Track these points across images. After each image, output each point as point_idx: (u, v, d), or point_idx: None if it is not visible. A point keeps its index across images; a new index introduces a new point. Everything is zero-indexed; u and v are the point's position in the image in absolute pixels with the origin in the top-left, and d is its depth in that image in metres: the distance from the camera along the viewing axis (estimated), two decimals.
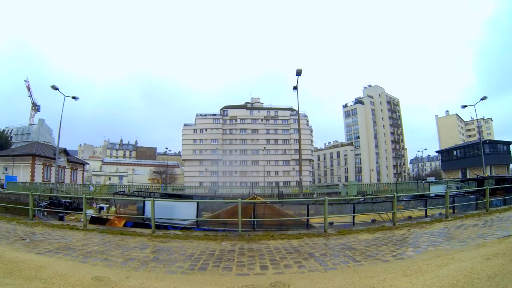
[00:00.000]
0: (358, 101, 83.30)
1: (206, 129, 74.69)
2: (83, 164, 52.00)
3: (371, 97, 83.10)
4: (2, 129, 64.60)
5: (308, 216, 10.40)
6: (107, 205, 13.76)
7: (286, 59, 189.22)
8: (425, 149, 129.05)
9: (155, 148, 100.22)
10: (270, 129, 75.62)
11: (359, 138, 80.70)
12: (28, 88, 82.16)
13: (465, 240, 6.15)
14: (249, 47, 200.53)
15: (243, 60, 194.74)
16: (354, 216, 10.26)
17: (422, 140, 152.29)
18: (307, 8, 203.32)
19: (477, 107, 37.28)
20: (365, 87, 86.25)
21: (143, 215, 10.28)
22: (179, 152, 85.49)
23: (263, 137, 74.30)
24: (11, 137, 71.75)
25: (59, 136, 25.93)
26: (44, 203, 12.25)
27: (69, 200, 13.71)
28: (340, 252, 5.70)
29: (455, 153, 44.77)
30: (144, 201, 10.83)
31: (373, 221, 10.30)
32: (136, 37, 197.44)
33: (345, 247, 6.12)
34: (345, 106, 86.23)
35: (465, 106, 30.84)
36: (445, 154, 47.98)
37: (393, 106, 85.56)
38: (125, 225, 9.86)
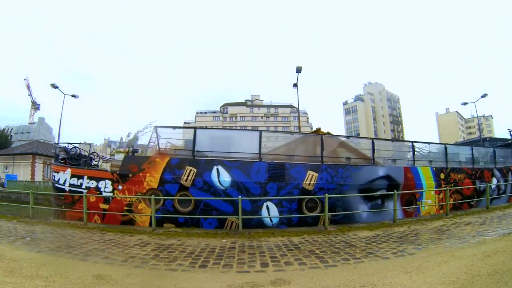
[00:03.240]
0: (358, 98, 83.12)
1: (206, 127, 74.63)
2: None
3: (371, 94, 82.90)
4: (2, 128, 64.56)
5: (373, 152, 10.36)
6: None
7: (286, 56, 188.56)
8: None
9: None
10: (270, 126, 75.52)
11: (359, 135, 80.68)
12: (28, 87, 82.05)
13: (465, 238, 6.16)
14: (249, 45, 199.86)
15: (243, 58, 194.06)
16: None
17: (423, 137, 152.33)
18: (309, 6, 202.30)
19: (478, 104, 37.10)
20: (365, 84, 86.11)
21: (194, 148, 9.09)
22: None
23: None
24: (11, 136, 71.68)
25: (59, 134, 25.88)
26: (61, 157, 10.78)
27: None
28: (341, 249, 5.71)
29: None
30: (195, 132, 9.39)
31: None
32: (136, 36, 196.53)
33: (345, 244, 6.13)
34: (345, 103, 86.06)
35: (465, 104, 30.78)
36: None
37: (393, 103, 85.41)
38: (168, 163, 8.88)
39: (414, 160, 11.16)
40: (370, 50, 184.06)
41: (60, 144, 12.46)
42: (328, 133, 11.42)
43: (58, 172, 10.13)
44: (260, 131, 9.96)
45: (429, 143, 12.37)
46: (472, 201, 11.44)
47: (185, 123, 75.54)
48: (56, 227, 8.08)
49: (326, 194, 8.29)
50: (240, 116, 75.68)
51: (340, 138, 11.63)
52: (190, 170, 8.86)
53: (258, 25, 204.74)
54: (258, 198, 8.92)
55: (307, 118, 75.39)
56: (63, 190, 9.78)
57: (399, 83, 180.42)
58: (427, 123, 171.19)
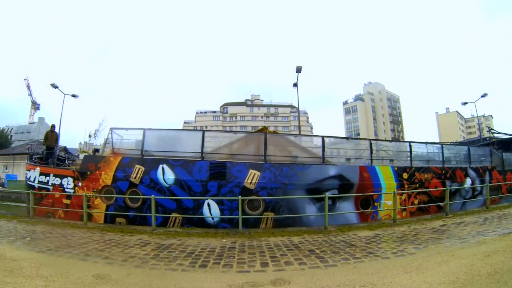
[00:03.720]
0: (358, 98, 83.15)
1: (206, 126, 74.65)
2: None
3: (371, 94, 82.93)
4: (2, 128, 64.61)
5: (323, 151, 9.85)
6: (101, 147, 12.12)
7: (286, 56, 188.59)
8: None
9: None
10: (270, 126, 75.57)
11: (359, 135, 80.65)
12: (28, 87, 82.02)
13: (465, 237, 6.16)
14: (249, 45, 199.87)
15: (243, 58, 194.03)
16: None
17: (423, 137, 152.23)
18: (308, 6, 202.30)
19: (478, 104, 37.11)
20: (365, 84, 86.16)
21: (142, 148, 9.58)
22: None
23: None
24: (11, 135, 71.69)
25: (59, 134, 25.84)
26: (35, 157, 11.76)
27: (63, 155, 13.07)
28: (341, 249, 5.71)
29: None
30: (144, 133, 9.71)
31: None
32: (136, 36, 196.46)
33: (345, 244, 6.13)
34: (345, 103, 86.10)
35: (465, 103, 30.75)
36: None
37: (393, 103, 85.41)
38: (120, 162, 9.44)
39: (371, 159, 10.65)
40: (370, 50, 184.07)
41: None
42: (274, 132, 11.18)
43: (29, 170, 10.94)
44: (203, 131, 10.18)
45: (390, 141, 12.06)
46: (441, 204, 10.34)
47: (185, 123, 75.54)
48: (56, 227, 8.09)
49: (327, 194, 8.11)
50: (240, 116, 75.76)
51: (287, 136, 11.48)
52: (139, 169, 9.31)
53: (258, 25, 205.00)
54: (200, 197, 9.10)
55: (307, 118, 75.46)
56: (33, 187, 10.50)
57: (399, 83, 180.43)
58: (427, 123, 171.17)
